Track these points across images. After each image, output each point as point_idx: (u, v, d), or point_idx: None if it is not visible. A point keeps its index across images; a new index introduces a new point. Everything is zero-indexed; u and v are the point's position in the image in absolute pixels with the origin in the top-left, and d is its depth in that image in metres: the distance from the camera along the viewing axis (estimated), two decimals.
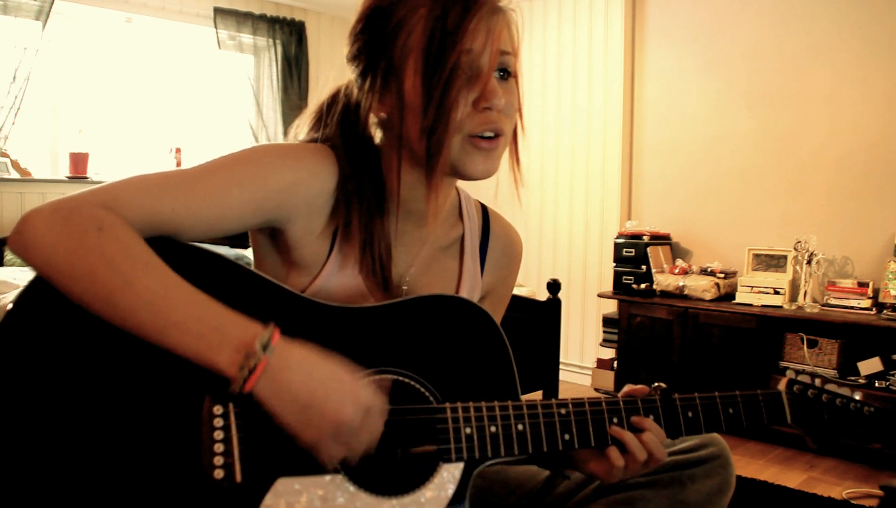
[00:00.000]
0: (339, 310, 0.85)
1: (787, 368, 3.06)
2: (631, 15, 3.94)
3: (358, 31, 0.91)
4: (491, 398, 0.86)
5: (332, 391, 0.74)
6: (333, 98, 0.98)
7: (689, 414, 0.94)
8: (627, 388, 0.96)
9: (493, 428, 0.85)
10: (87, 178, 3.95)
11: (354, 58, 0.92)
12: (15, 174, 3.72)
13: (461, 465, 0.84)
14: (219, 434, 0.75)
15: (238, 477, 0.75)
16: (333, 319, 0.85)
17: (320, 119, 0.97)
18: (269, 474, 0.76)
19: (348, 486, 0.79)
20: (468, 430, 0.84)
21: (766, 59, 3.49)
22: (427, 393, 0.85)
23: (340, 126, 0.95)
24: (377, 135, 0.96)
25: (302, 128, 0.99)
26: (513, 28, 0.89)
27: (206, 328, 0.72)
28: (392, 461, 0.82)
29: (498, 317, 1.12)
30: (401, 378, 0.85)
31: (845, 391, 1.02)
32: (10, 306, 0.74)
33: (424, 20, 0.84)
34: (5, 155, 3.68)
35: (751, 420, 0.97)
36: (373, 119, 0.94)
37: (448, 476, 0.83)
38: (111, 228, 0.73)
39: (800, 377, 1.02)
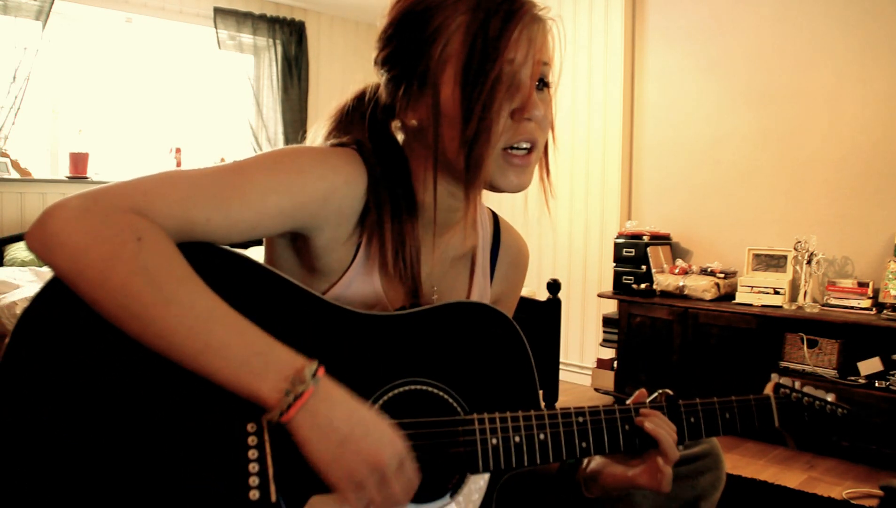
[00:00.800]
0: (367, 317, 0.84)
1: (787, 368, 3.07)
2: (631, 15, 3.94)
3: (389, 34, 0.88)
4: (514, 407, 0.87)
5: (372, 431, 0.72)
6: (359, 100, 0.96)
7: (692, 420, 0.96)
8: (636, 395, 0.97)
9: (517, 438, 0.85)
10: (87, 178, 3.95)
11: (385, 62, 0.89)
12: (15, 174, 3.72)
13: (487, 476, 0.85)
14: (253, 454, 0.73)
15: (273, 497, 0.73)
16: (363, 326, 0.84)
17: (342, 120, 0.95)
18: (303, 492, 0.75)
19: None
20: (494, 441, 0.84)
21: (766, 59, 3.49)
22: (454, 403, 0.85)
23: (369, 129, 0.93)
24: (401, 138, 0.94)
25: (321, 131, 0.96)
26: (550, 38, 0.88)
27: (250, 354, 0.69)
28: (424, 473, 0.81)
29: None
30: (428, 389, 0.85)
31: (820, 394, 1.06)
32: (28, 304, 0.70)
33: (464, 28, 0.82)
34: (5, 155, 3.68)
35: (744, 425, 0.99)
36: (397, 125, 0.93)
37: (474, 487, 0.84)
38: (151, 239, 0.68)
39: (782, 380, 1.05)
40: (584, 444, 0.89)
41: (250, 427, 0.73)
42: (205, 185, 0.76)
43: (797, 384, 1.05)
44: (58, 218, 0.67)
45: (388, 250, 0.90)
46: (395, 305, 0.93)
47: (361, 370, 0.82)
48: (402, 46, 0.86)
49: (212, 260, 0.77)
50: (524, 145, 0.86)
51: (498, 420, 0.85)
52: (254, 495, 0.73)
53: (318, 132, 0.97)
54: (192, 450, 0.72)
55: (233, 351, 0.68)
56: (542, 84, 0.88)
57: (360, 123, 0.94)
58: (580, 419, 0.89)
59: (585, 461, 0.98)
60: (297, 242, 0.90)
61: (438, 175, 0.89)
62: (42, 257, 0.68)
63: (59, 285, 0.69)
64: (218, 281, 0.74)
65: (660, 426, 0.90)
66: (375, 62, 0.91)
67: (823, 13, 3.30)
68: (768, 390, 1.04)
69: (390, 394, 0.83)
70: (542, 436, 0.86)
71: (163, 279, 0.67)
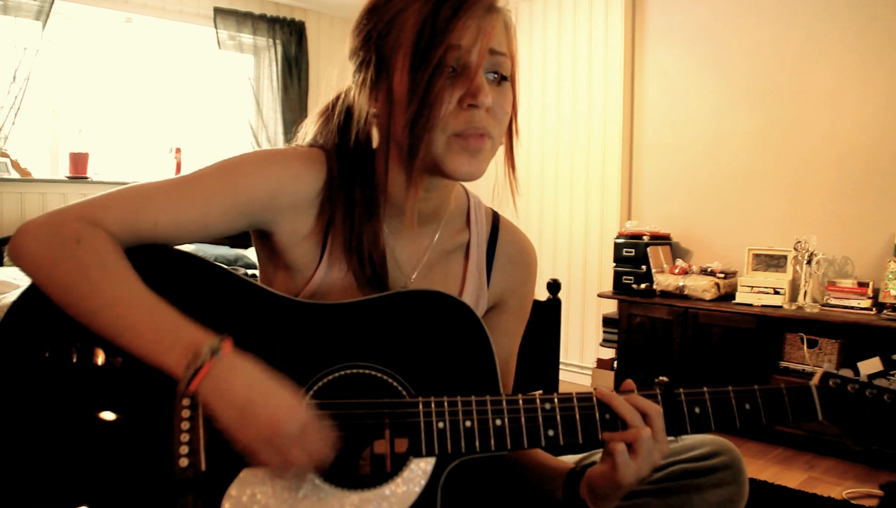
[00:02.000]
0: (312, 306, 0.86)
1: (787, 368, 3.07)
2: (631, 15, 3.94)
3: (358, 27, 0.92)
4: (469, 394, 0.84)
5: (271, 399, 0.75)
6: (337, 99, 0.98)
7: (697, 410, 0.87)
8: (623, 385, 0.90)
9: (468, 423, 0.83)
10: (87, 178, 3.95)
11: (353, 54, 0.93)
12: (15, 174, 3.72)
13: (433, 460, 0.82)
14: (185, 425, 0.77)
15: (202, 466, 0.77)
16: (307, 315, 0.86)
17: (326, 120, 0.98)
18: (235, 464, 0.78)
19: (313, 478, 0.79)
20: (441, 424, 0.82)
21: (766, 58, 3.49)
22: (400, 388, 0.84)
23: (340, 128, 0.95)
24: (376, 137, 0.95)
25: (310, 128, 0.99)
26: (509, 30, 0.88)
27: (161, 333, 0.77)
28: (359, 454, 0.81)
29: (516, 333, 1.09)
30: (372, 373, 0.84)
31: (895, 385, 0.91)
32: (7, 306, 0.79)
33: (416, 15, 0.85)
34: (5, 155, 3.67)
35: (772, 417, 0.88)
36: (373, 117, 0.94)
37: (418, 471, 0.82)
38: (89, 240, 0.79)
39: (842, 372, 0.92)
40: (550, 432, 0.84)
41: (185, 401, 0.78)
42: (154, 193, 0.85)
43: (862, 375, 0.92)
44: (23, 233, 0.81)
45: (345, 248, 0.92)
46: None
47: (300, 355, 0.83)
48: (367, 36, 0.90)
49: (162, 260, 0.85)
50: (473, 133, 0.86)
51: (446, 404, 0.83)
52: (182, 462, 0.77)
53: (305, 132, 1.00)
54: (131, 421, 0.78)
55: (146, 330, 0.77)
56: (500, 77, 0.88)
57: (338, 121, 0.96)
58: (547, 405, 0.85)
59: (588, 470, 0.92)
60: (267, 239, 0.94)
61: (399, 164, 0.90)
62: (14, 264, 0.81)
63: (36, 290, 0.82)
64: (165, 278, 0.83)
65: (623, 405, 0.84)
66: (348, 55, 0.94)
67: (823, 13, 3.30)
68: (814, 380, 0.92)
69: (329, 377, 0.83)
70: (497, 422, 0.83)
71: (92, 273, 0.78)
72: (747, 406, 0.88)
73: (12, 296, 2.85)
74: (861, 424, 0.90)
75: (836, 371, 0.93)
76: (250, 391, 0.75)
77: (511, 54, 0.89)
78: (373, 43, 0.89)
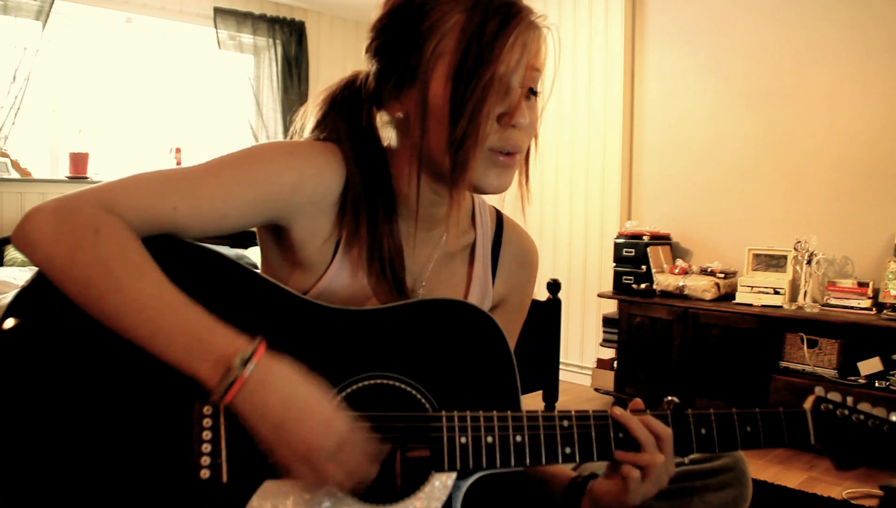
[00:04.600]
0: (337, 312, 0.85)
1: (787, 368, 3.07)
2: (631, 15, 3.94)
3: (383, 25, 0.88)
4: (490, 408, 0.84)
5: (307, 414, 0.73)
6: (348, 88, 0.95)
7: (703, 431, 0.89)
8: (633, 404, 0.92)
9: (489, 439, 0.83)
10: (87, 178, 3.95)
11: (377, 53, 0.89)
12: (15, 174, 3.72)
13: (454, 475, 0.82)
14: (207, 435, 0.75)
15: (224, 478, 0.75)
16: (332, 321, 0.84)
17: (330, 110, 0.95)
18: (256, 475, 0.76)
19: (335, 491, 0.78)
20: (463, 439, 0.82)
21: (766, 59, 3.49)
22: (423, 400, 0.84)
23: (349, 121, 0.93)
24: (385, 135, 0.93)
25: (310, 119, 0.96)
26: (544, 46, 0.87)
27: (192, 339, 0.72)
28: (382, 467, 0.80)
29: (515, 329, 1.10)
30: (396, 384, 0.83)
31: (880, 413, 0.94)
32: (9, 300, 0.74)
33: (461, 27, 0.82)
34: (5, 155, 3.68)
35: (770, 439, 0.91)
36: (383, 118, 0.92)
37: (440, 486, 0.81)
38: (108, 230, 0.74)
39: (830, 396, 0.95)
40: (567, 450, 0.85)
41: (206, 410, 0.75)
42: (173, 178, 0.80)
43: (849, 401, 0.94)
44: (33, 219, 0.74)
45: (365, 251, 0.90)
46: (382, 301, 0.92)
47: (323, 363, 0.82)
48: (396, 38, 0.86)
49: (180, 255, 0.80)
50: (508, 151, 0.86)
51: (469, 419, 0.83)
52: (204, 474, 0.74)
53: (306, 121, 0.97)
54: (153, 429, 0.74)
55: (177, 336, 0.72)
56: (531, 92, 0.87)
57: (347, 114, 0.94)
58: (565, 422, 0.85)
59: (590, 483, 0.93)
60: (279, 235, 0.91)
61: (421, 171, 0.89)
62: (23, 253, 0.75)
63: (41, 282, 0.76)
64: (185, 275, 0.77)
65: (639, 427, 0.85)
66: (367, 51, 0.91)
67: (823, 13, 3.30)
68: (807, 404, 0.94)
69: (352, 388, 0.82)
70: (518, 438, 0.83)
71: (115, 268, 0.72)
72: (748, 429, 0.90)
73: (12, 296, 2.85)
74: (847, 448, 0.93)
75: (826, 395, 0.95)
76: (285, 407, 0.72)
77: (542, 68, 0.88)
78: (405, 47, 0.85)
